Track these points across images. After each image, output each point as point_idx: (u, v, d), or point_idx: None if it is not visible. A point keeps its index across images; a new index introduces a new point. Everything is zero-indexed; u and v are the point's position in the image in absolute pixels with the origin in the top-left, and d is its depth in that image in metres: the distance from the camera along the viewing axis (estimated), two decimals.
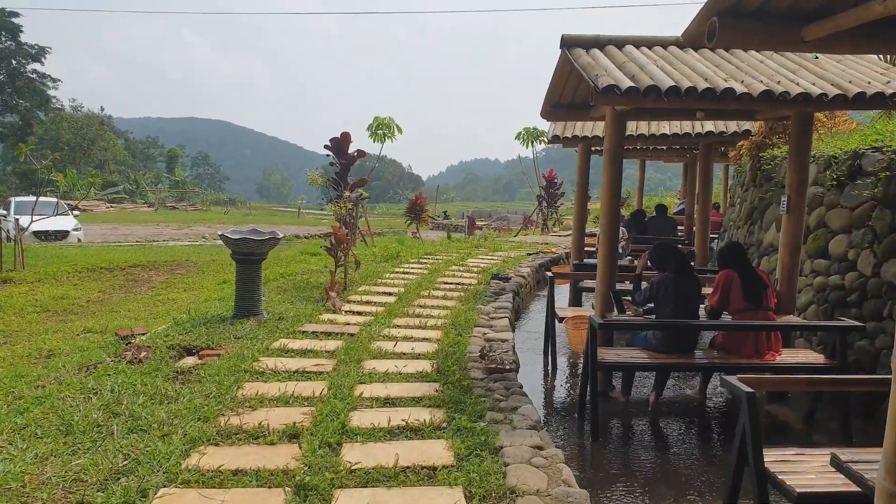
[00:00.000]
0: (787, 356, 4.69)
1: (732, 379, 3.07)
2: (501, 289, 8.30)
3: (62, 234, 16.35)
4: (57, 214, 13.76)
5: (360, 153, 11.67)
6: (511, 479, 3.02)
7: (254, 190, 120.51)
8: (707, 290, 5.11)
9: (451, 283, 8.66)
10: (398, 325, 6.12)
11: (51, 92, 48.69)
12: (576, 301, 8.05)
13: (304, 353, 5.10)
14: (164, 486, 2.88)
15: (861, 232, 5.40)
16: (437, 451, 3.33)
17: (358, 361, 4.88)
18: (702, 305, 5.00)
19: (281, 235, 6.37)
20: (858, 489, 2.29)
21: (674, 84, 4.23)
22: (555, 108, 6.05)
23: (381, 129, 15.91)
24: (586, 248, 9.70)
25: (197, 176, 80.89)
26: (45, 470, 3.00)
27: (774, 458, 2.89)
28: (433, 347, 5.36)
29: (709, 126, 7.55)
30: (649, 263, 5.01)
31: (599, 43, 5.10)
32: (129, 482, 2.89)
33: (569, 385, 5.83)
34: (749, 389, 2.91)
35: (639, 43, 5.15)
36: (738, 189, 10.14)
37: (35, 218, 11.95)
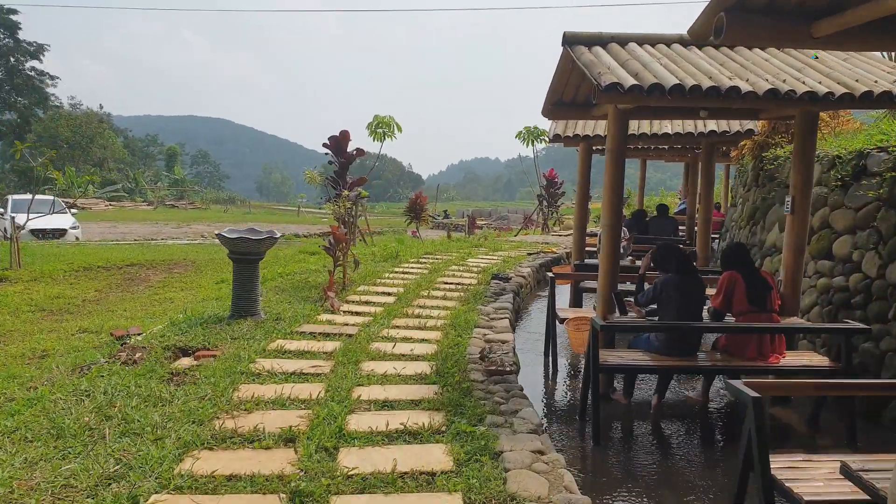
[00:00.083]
0: (791, 359, 4.62)
1: (738, 383, 3.01)
2: (502, 289, 8.23)
3: (60, 233, 16.27)
4: (53, 213, 13.67)
5: (360, 151, 11.60)
6: (511, 486, 2.95)
7: (253, 188, 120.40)
8: (711, 291, 5.04)
9: (451, 284, 8.59)
10: (397, 326, 6.05)
11: (49, 90, 48.59)
12: (577, 302, 7.98)
13: (302, 354, 5.03)
14: (156, 493, 2.81)
15: (866, 233, 5.33)
16: (436, 456, 3.26)
17: (356, 363, 4.81)
18: (704, 307, 4.93)
19: (278, 235, 6.30)
20: (869, 498, 2.22)
21: (678, 82, 4.16)
22: (556, 106, 5.98)
23: (381, 127, 15.84)
24: (587, 248, 9.64)
25: (196, 174, 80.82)
26: (34, 475, 2.93)
27: (781, 465, 2.82)
28: (432, 349, 5.29)
29: (711, 125, 7.48)
30: (652, 264, 4.94)
31: (602, 40, 5.03)
32: (120, 488, 2.82)
33: (570, 387, 5.76)
34: (755, 394, 2.84)
35: (642, 40, 5.07)
36: (740, 189, 10.07)
37: (31, 216, 11.87)
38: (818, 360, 4.61)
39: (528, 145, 21.87)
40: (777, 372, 4.55)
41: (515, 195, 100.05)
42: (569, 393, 5.60)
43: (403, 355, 5.08)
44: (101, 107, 58.80)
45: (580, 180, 9.13)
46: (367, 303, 7.16)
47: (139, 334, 5.77)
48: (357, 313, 6.58)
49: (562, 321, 5.96)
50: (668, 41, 5.12)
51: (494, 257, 11.77)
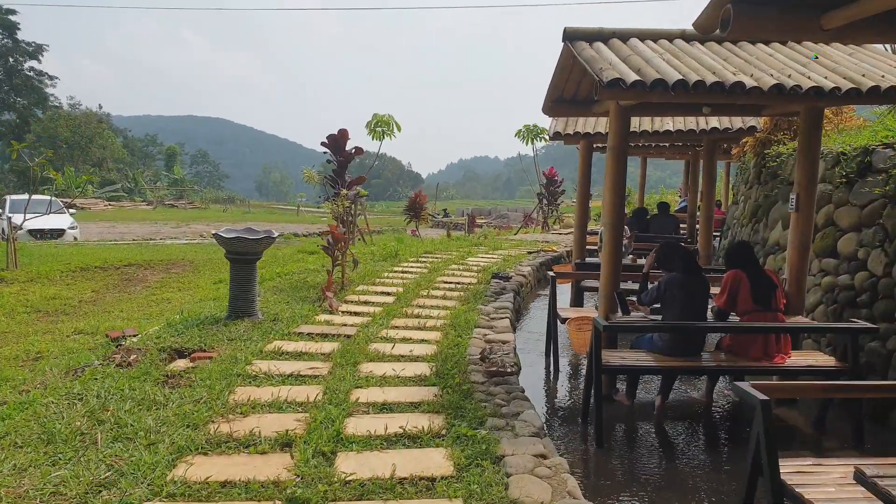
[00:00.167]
0: (797, 359, 4.54)
1: (745, 385, 2.92)
2: (502, 288, 8.15)
3: (58, 233, 16.19)
4: (50, 213, 13.58)
5: (358, 150, 11.52)
6: (513, 491, 2.88)
7: (253, 188, 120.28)
8: (715, 290, 4.96)
9: (451, 283, 8.51)
10: (396, 327, 5.97)
11: (49, 90, 48.48)
12: (577, 301, 7.89)
13: (299, 355, 4.95)
14: (148, 501, 2.73)
15: (871, 230, 5.25)
16: (435, 461, 3.19)
17: (354, 364, 4.73)
18: (708, 307, 4.85)
19: (276, 234, 6.22)
20: None
21: (681, 78, 4.08)
22: (556, 103, 5.90)
23: (381, 126, 15.75)
24: (587, 247, 9.55)
25: (196, 174, 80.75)
26: (22, 482, 2.85)
27: (791, 469, 2.75)
28: (432, 350, 5.21)
29: (713, 122, 7.39)
30: (655, 263, 4.86)
31: (603, 36, 4.94)
32: (111, 496, 2.75)
33: (571, 388, 5.68)
34: (763, 397, 2.76)
35: (643, 36, 4.99)
36: (742, 186, 9.99)
37: (28, 216, 11.78)
38: (824, 360, 4.53)
39: (527, 144, 21.82)
40: (782, 372, 4.47)
41: (515, 194, 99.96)
42: (570, 394, 5.53)
43: (403, 356, 5.00)
44: (101, 107, 58.73)
45: (581, 178, 9.05)
46: (365, 303, 7.08)
47: (135, 336, 5.69)
48: (356, 313, 6.51)
49: (563, 321, 5.88)
50: (670, 36, 5.04)
51: (494, 256, 11.70)
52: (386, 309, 6.71)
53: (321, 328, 5.76)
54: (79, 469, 2.98)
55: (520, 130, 21.76)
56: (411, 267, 9.93)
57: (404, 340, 5.47)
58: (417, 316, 6.44)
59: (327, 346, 5.19)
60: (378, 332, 5.73)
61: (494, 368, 4.64)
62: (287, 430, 3.45)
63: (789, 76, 4.22)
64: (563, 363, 6.23)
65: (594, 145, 8.98)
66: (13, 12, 44.83)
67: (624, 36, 4.94)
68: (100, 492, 2.79)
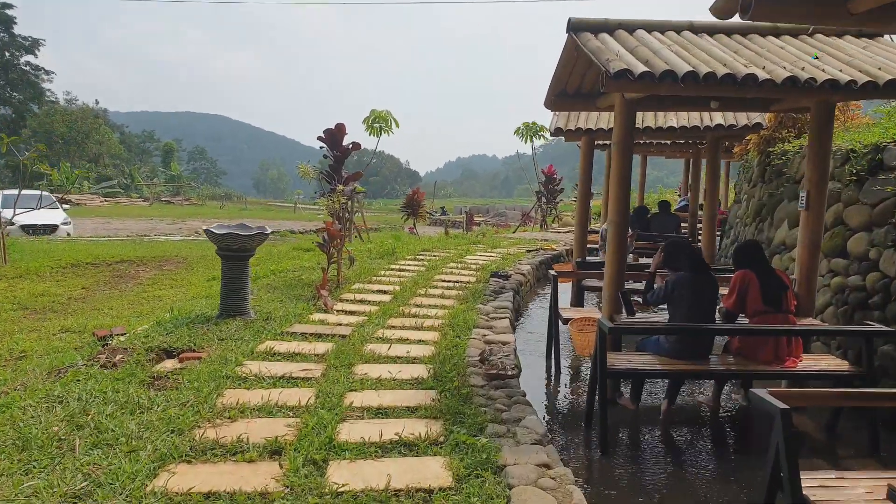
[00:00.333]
0: (809, 363, 4.38)
1: (762, 393, 2.76)
2: (501, 287, 7.98)
3: (51, 228, 15.96)
4: (41, 208, 13.35)
5: (355, 145, 11.33)
6: None
7: (251, 185, 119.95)
8: (723, 291, 4.79)
9: (449, 281, 8.34)
10: (393, 326, 5.80)
11: (45, 85, 48.18)
12: (578, 300, 7.72)
13: (292, 356, 4.78)
14: None
15: (883, 230, 5.10)
16: (433, 471, 3.02)
17: (349, 366, 4.56)
18: (717, 307, 4.68)
19: (269, 231, 6.03)
20: None
21: (691, 69, 3.91)
22: (559, 97, 5.72)
23: (378, 122, 15.55)
24: (588, 245, 9.38)
25: (193, 170, 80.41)
26: None
27: (812, 483, 2.58)
28: (430, 351, 5.04)
29: (718, 118, 7.22)
30: (662, 262, 4.68)
31: (608, 27, 4.77)
32: None
33: (574, 391, 5.51)
34: (783, 405, 2.60)
35: (650, 27, 4.82)
36: (745, 185, 9.84)
37: (18, 211, 11.57)
38: (837, 364, 4.36)
39: (526, 141, 21.65)
40: (794, 377, 4.31)
41: (513, 192, 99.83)
42: (573, 397, 5.36)
43: (399, 358, 4.83)
44: (97, 102, 58.52)
45: (582, 176, 8.88)
46: (361, 301, 6.90)
47: (123, 334, 5.51)
48: (351, 312, 6.33)
49: (565, 322, 5.71)
50: (677, 28, 4.87)
51: (493, 254, 11.53)
52: (382, 308, 6.54)
53: (315, 328, 5.58)
54: (53, 478, 2.81)
55: (519, 128, 21.59)
56: (409, 265, 9.75)
57: (401, 341, 5.30)
58: (415, 315, 6.26)
59: (321, 347, 5.01)
60: (374, 332, 5.56)
61: (494, 371, 4.47)
62: (277, 437, 3.28)
63: (802, 69, 4.05)
64: (565, 365, 6.06)
65: (595, 142, 8.81)
66: (9, 6, 44.53)
67: (630, 27, 4.77)
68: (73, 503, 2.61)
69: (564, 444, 4.27)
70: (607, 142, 10.24)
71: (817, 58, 4.24)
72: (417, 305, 6.73)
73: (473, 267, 9.71)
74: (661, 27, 4.85)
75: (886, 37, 4.94)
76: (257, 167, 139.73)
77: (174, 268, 10.47)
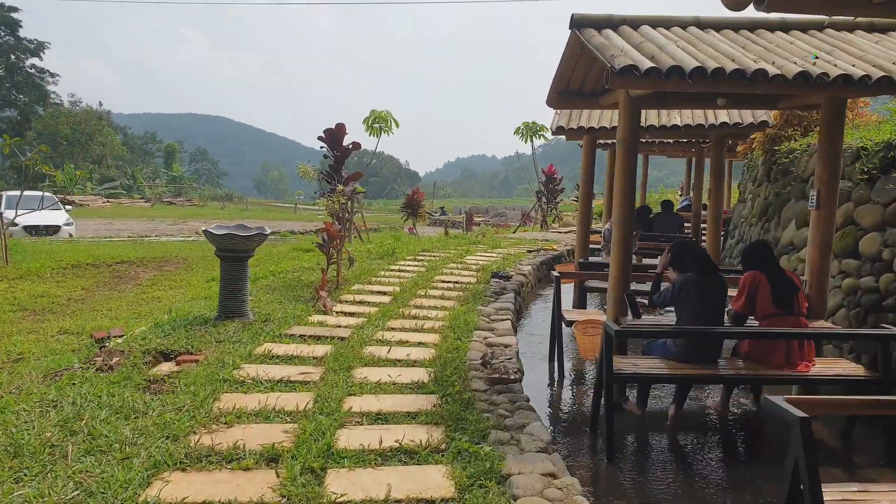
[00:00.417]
0: (822, 367, 4.26)
1: (779, 400, 2.65)
2: (502, 288, 7.89)
3: (53, 229, 15.92)
4: (42, 209, 13.28)
5: (356, 145, 11.24)
6: None
7: (252, 186, 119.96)
8: (732, 293, 4.68)
9: (450, 282, 8.24)
10: (393, 328, 5.70)
11: (49, 87, 48.22)
12: (581, 302, 7.62)
13: (290, 359, 4.68)
14: None
15: None
16: (434, 480, 2.92)
17: (348, 369, 4.47)
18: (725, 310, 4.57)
19: (268, 231, 5.94)
20: None
21: (699, 65, 3.81)
22: (562, 95, 5.63)
23: (378, 122, 15.47)
24: (590, 246, 9.28)
25: (195, 171, 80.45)
26: None
27: (834, 497, 2.48)
28: (430, 353, 4.94)
29: (722, 117, 7.12)
30: (669, 263, 4.58)
31: (612, 23, 4.67)
32: None
33: (578, 395, 5.41)
34: (802, 414, 2.49)
35: (655, 23, 4.72)
36: (750, 184, 9.74)
37: (21, 212, 11.50)
38: (851, 368, 4.25)
39: (527, 141, 21.56)
40: (806, 381, 4.21)
41: (512, 192, 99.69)
42: (577, 402, 5.26)
43: (399, 361, 4.74)
44: (101, 104, 58.57)
45: (584, 175, 8.77)
46: (361, 302, 6.81)
47: (120, 336, 5.42)
48: (350, 314, 6.24)
49: (568, 324, 5.61)
50: (683, 24, 4.77)
51: (493, 255, 11.43)
52: (382, 309, 6.44)
53: (314, 330, 5.49)
54: (44, 487, 2.72)
55: (519, 128, 21.51)
56: (408, 265, 9.65)
57: (401, 343, 5.20)
58: (415, 317, 6.17)
59: (320, 349, 4.92)
60: (373, 334, 5.46)
61: (497, 375, 4.38)
62: (274, 444, 3.19)
63: (814, 63, 3.95)
64: (568, 368, 5.96)
65: (598, 141, 8.71)
66: (15, 9, 44.57)
67: (635, 23, 4.67)
68: None
69: (569, 450, 4.17)
70: (609, 141, 10.14)
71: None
72: (417, 307, 6.64)
73: (474, 267, 9.62)
74: (666, 23, 4.76)
75: None
76: (258, 168, 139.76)
77: (174, 268, 10.39)
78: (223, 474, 2.93)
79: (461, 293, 7.53)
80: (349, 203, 10.92)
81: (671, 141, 10.92)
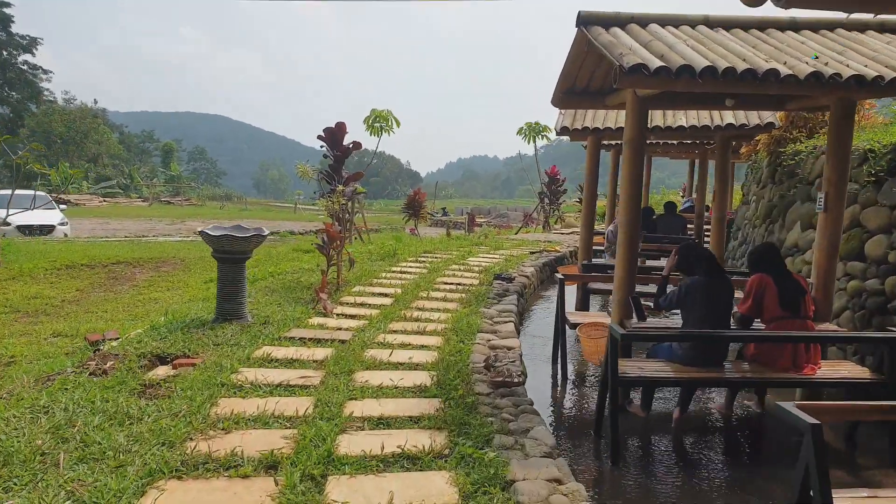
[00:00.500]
0: (828, 370, 4.20)
1: (790, 406, 2.58)
2: (505, 290, 7.80)
3: (47, 229, 15.78)
4: (34, 208, 13.15)
5: (356, 145, 11.15)
6: None
7: (251, 185, 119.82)
8: (739, 295, 4.61)
9: (452, 284, 8.16)
10: (394, 331, 5.61)
11: (43, 84, 48.01)
12: (584, 304, 7.56)
13: (290, 362, 4.59)
14: None
15: None
16: (438, 486, 2.84)
17: (349, 373, 4.38)
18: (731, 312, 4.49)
19: (266, 232, 5.84)
20: None
21: (710, 64, 3.73)
22: (567, 94, 5.55)
23: (379, 121, 15.38)
24: (594, 247, 9.20)
25: (193, 171, 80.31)
26: None
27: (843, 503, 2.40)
28: (433, 357, 4.85)
29: (728, 118, 7.04)
30: (675, 266, 4.50)
31: (620, 21, 4.59)
32: None
33: (581, 398, 5.33)
34: (814, 421, 2.42)
35: (664, 21, 4.64)
36: (754, 186, 9.66)
37: (13, 211, 11.39)
38: (857, 371, 4.18)
39: (529, 142, 21.50)
40: (812, 385, 4.13)
41: (514, 193, 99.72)
42: (581, 405, 5.18)
43: (401, 364, 4.65)
44: (96, 102, 58.38)
45: (588, 176, 8.70)
46: (362, 305, 6.72)
47: (115, 339, 5.33)
48: (351, 316, 6.15)
49: (572, 326, 5.52)
50: (692, 22, 4.69)
51: (496, 256, 11.34)
52: (383, 312, 6.36)
53: (314, 332, 5.40)
54: (35, 497, 2.63)
55: (521, 128, 21.45)
56: (410, 267, 9.57)
57: (403, 346, 5.12)
58: (417, 319, 6.08)
59: (320, 353, 4.83)
60: (375, 336, 5.38)
61: (500, 378, 4.29)
62: (273, 450, 3.10)
63: (826, 64, 3.88)
64: (571, 370, 5.87)
65: (602, 141, 8.64)
66: (7, 4, 44.38)
67: (643, 21, 4.59)
68: None
69: (573, 454, 4.08)
70: (612, 142, 10.07)
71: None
72: (419, 309, 6.55)
73: (476, 269, 9.53)
74: (674, 21, 4.68)
75: None
76: (257, 168, 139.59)
77: (171, 269, 10.29)
78: (220, 482, 2.84)
79: (464, 295, 7.44)
80: (349, 204, 10.82)
81: (675, 142, 10.84)
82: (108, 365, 4.37)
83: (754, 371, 4.22)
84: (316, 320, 5.89)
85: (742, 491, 3.58)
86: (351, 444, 3.23)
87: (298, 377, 4.25)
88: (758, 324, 4.43)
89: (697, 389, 4.83)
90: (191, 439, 3.23)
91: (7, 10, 44.01)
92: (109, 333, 5.63)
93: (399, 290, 7.50)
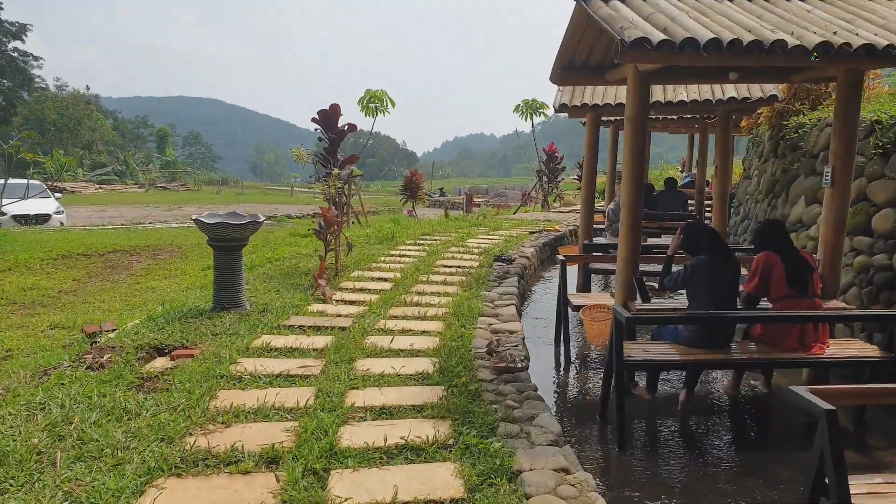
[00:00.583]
0: (836, 349, 4.14)
1: (803, 391, 2.52)
2: (505, 272, 7.72)
3: (43, 218, 15.65)
4: (28, 197, 13.01)
5: (351, 127, 10.97)
6: None
7: (247, 169, 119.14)
8: (744, 273, 4.53)
9: (451, 267, 8.07)
10: (395, 317, 5.55)
11: (34, 71, 47.33)
12: (585, 284, 7.48)
13: (290, 351, 4.53)
14: None
15: None
16: (443, 479, 2.78)
17: (350, 361, 4.31)
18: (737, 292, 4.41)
19: (262, 219, 5.73)
20: None
21: (714, 36, 3.59)
22: (566, 70, 5.39)
23: (374, 102, 15.15)
24: (594, 226, 9.10)
25: (189, 156, 79.69)
26: None
27: (858, 490, 2.35)
28: (434, 342, 4.79)
29: (730, 92, 6.88)
30: (680, 245, 4.41)
31: None
32: None
33: (585, 382, 5.28)
34: (829, 406, 2.36)
35: None
36: (755, 160, 9.52)
37: (7, 201, 11.26)
38: (867, 350, 4.12)
39: (526, 119, 21.24)
40: (823, 364, 4.08)
41: (511, 171, 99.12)
42: (585, 388, 5.13)
43: (402, 351, 4.59)
44: (88, 88, 57.68)
45: (587, 154, 8.55)
46: (361, 290, 6.65)
47: (112, 330, 5.26)
48: (351, 302, 6.07)
49: (575, 309, 5.45)
50: None
51: (495, 237, 11.25)
52: (383, 297, 6.28)
53: (313, 320, 5.33)
54: (30, 498, 2.57)
55: (518, 105, 21.17)
56: (409, 250, 9.48)
57: (404, 332, 5.05)
58: (417, 304, 6.01)
59: (320, 341, 4.76)
60: (375, 323, 5.31)
61: (503, 364, 4.23)
62: (274, 444, 3.04)
63: (834, 33, 3.74)
64: (574, 353, 5.83)
65: (601, 118, 8.48)
66: None
67: None
68: None
69: (579, 439, 4.04)
70: (612, 118, 9.91)
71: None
72: (419, 293, 6.48)
73: (476, 251, 9.45)
74: None
75: None
76: (252, 150, 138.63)
77: (168, 257, 10.21)
78: (221, 479, 2.78)
79: (464, 278, 7.37)
80: (346, 187, 10.68)
81: (674, 117, 10.67)
82: (105, 358, 4.30)
83: (761, 352, 4.16)
84: (315, 307, 5.82)
85: (750, 474, 3.54)
86: (353, 435, 3.17)
87: (299, 367, 4.18)
88: (764, 302, 4.36)
89: (703, 370, 4.78)
90: (190, 434, 3.17)
91: None
92: (106, 324, 5.56)
93: (398, 275, 7.43)
